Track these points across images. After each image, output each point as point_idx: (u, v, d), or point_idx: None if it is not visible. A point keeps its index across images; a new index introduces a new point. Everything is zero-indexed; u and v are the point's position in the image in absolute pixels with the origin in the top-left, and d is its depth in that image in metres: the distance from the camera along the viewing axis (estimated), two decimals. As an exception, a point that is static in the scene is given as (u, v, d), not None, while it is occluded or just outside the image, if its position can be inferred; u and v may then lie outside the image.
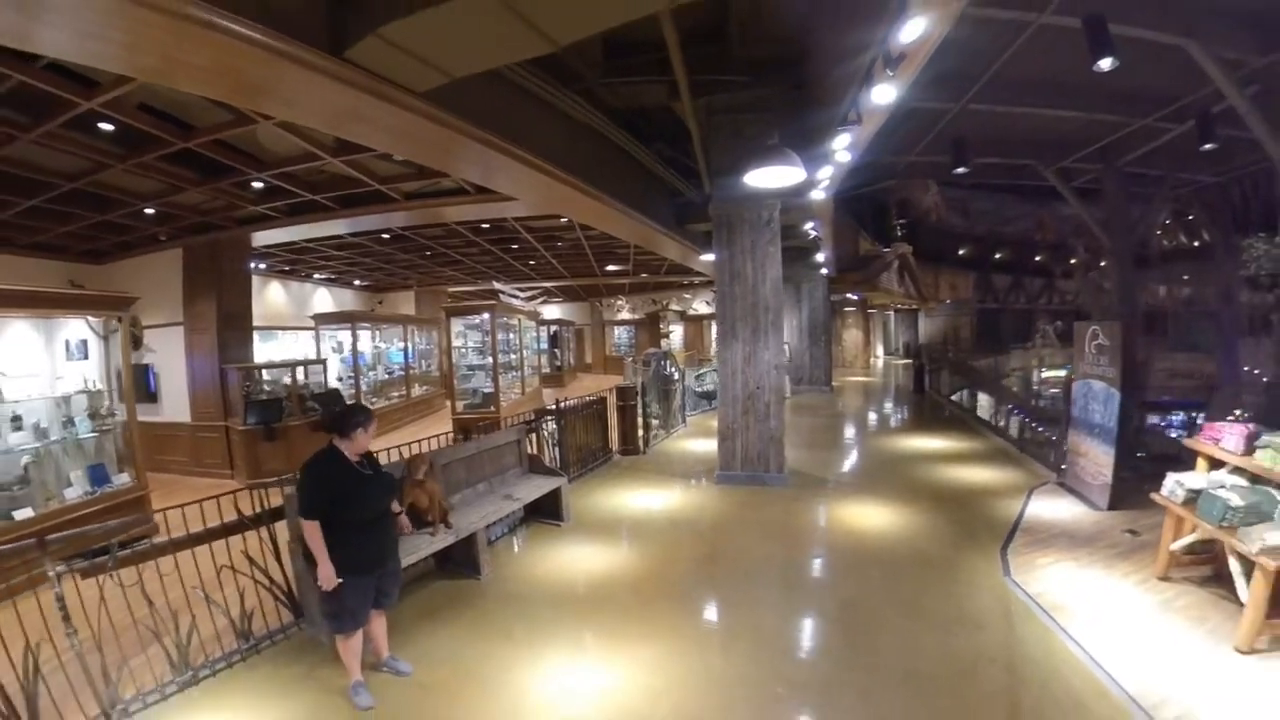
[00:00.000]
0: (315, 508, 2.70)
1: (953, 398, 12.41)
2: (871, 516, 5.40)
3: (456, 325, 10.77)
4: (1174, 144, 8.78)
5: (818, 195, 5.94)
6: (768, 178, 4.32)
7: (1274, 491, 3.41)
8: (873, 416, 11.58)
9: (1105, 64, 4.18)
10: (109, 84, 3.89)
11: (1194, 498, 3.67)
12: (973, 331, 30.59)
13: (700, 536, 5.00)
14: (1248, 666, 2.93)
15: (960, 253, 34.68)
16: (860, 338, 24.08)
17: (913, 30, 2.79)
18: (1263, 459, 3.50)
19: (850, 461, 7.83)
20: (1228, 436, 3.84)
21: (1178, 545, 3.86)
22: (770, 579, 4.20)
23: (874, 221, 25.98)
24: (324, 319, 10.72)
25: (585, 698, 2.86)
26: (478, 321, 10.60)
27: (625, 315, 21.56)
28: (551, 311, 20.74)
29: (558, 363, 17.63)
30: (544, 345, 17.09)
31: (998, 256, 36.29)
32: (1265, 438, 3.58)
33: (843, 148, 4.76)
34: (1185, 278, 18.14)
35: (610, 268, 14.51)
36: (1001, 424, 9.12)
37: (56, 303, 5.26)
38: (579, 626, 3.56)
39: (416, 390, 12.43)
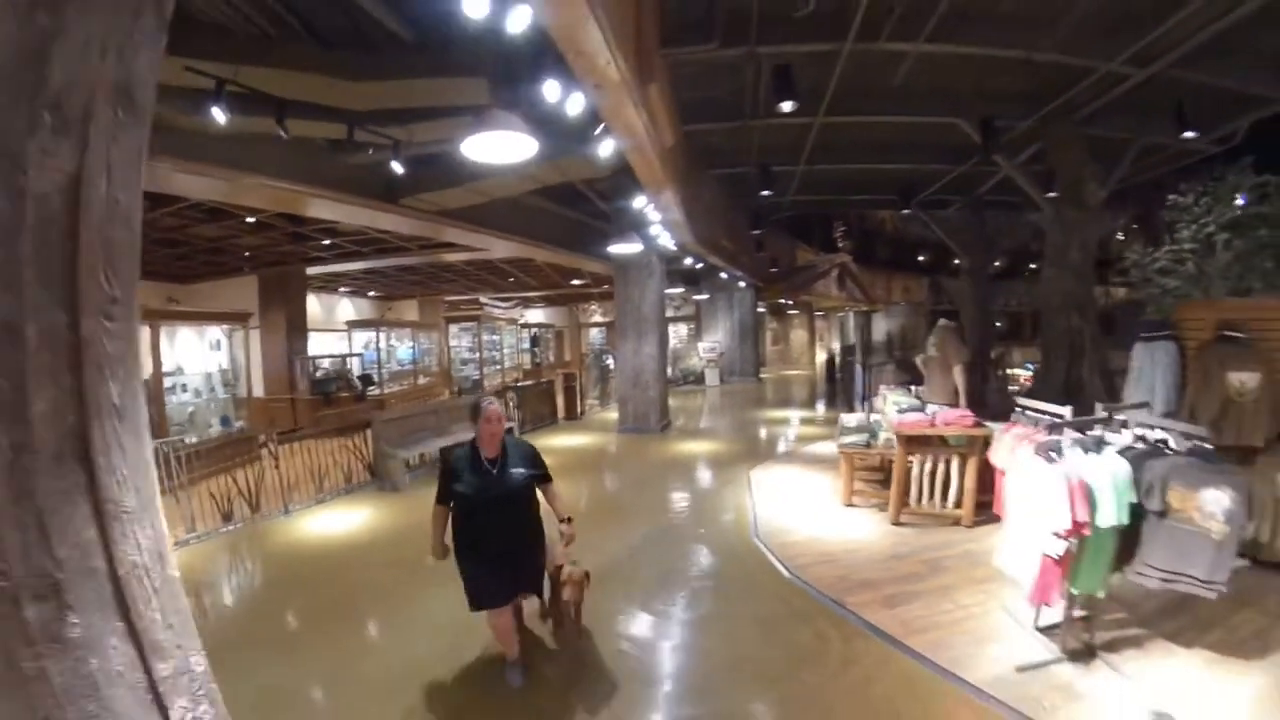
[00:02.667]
0: (438, 494, 2.95)
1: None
2: (706, 448, 8.81)
3: (454, 329, 14.25)
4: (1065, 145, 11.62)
5: (669, 247, 9.33)
6: (619, 248, 7.75)
7: (882, 420, 5.83)
8: (774, 398, 15.00)
9: (786, 106, 6.17)
10: (264, 205, 7.34)
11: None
12: (926, 330, 33.69)
13: (590, 457, 8.45)
14: (839, 512, 5.46)
15: (920, 259, 38.07)
16: (805, 337, 27.47)
17: (639, 202, 6.18)
18: (881, 404, 6.58)
19: (725, 422, 11.27)
20: (882, 392, 7.01)
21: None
22: (615, 473, 7.63)
23: (821, 233, 29.46)
24: (355, 324, 14.20)
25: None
26: (470, 326, 14.09)
27: (598, 318, 25.00)
28: (535, 316, 24.16)
29: (537, 359, 21.08)
30: (526, 345, 20.58)
31: (956, 262, 39.62)
32: (883, 391, 6.74)
33: (660, 232, 8.15)
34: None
35: (575, 282, 17.95)
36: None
37: (208, 318, 8.72)
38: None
39: (421, 380, 15.87)
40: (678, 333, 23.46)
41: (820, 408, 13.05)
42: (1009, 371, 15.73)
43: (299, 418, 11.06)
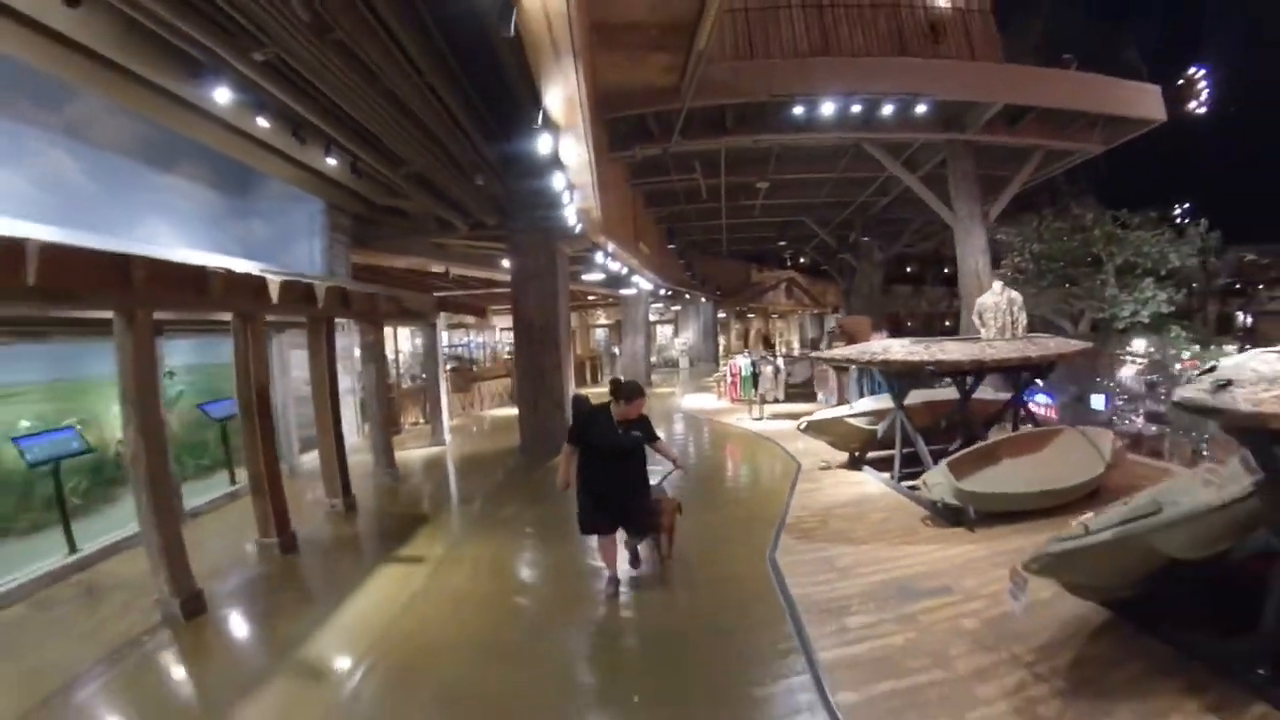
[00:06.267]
0: (569, 438, 3.92)
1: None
2: (669, 390, 16.65)
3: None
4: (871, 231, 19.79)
5: (647, 286, 17.07)
6: (625, 291, 15.46)
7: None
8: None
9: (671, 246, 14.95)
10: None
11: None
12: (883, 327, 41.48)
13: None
14: (717, 402, 13.59)
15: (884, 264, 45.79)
16: (763, 334, 35.20)
17: (635, 276, 13.85)
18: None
19: (683, 383, 19.03)
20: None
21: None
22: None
23: (776, 256, 37.26)
24: (453, 326, 21.85)
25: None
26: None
27: (602, 321, 32.70)
28: (555, 319, 31.76)
29: (560, 352, 28.85)
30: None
31: (909, 270, 47.58)
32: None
33: (645, 283, 15.86)
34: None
35: (590, 297, 25.66)
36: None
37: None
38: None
39: (490, 364, 23.59)
40: (663, 333, 31.25)
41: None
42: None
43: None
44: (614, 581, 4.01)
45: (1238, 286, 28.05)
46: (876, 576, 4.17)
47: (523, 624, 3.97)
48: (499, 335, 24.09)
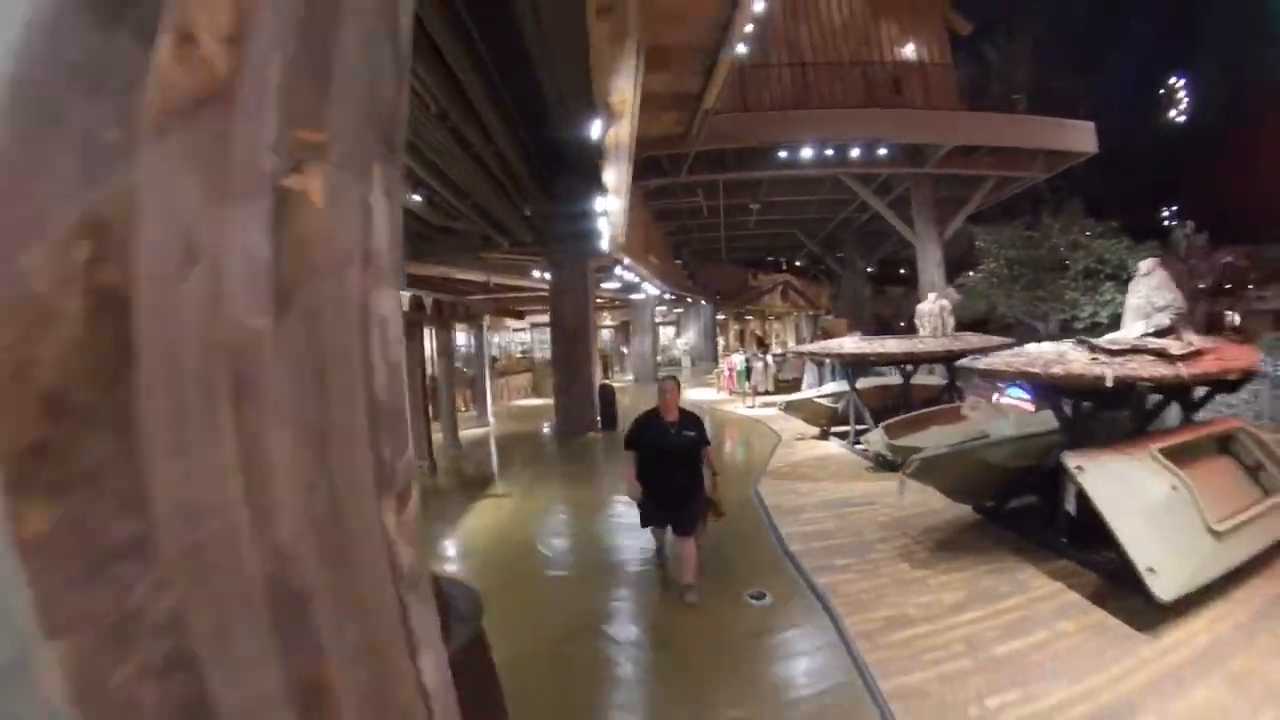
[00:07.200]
0: (626, 442, 4.19)
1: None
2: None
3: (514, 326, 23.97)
4: (850, 242, 21.87)
5: (654, 292, 19.07)
6: (634, 296, 17.46)
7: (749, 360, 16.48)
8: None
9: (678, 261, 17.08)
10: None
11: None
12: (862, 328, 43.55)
13: (621, 388, 18.18)
14: (716, 394, 15.66)
15: (869, 270, 47.88)
16: (760, 334, 37.20)
17: (645, 284, 15.81)
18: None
19: (687, 379, 20.94)
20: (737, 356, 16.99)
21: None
22: (632, 393, 17.39)
23: (774, 261, 39.25)
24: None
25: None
26: (530, 327, 23.79)
27: (608, 323, 34.67)
28: (563, 321, 33.77)
29: (569, 351, 30.88)
30: (562, 341, 30.41)
31: (902, 272, 49.68)
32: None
33: (651, 288, 17.86)
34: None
35: (598, 300, 27.68)
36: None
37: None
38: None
39: (506, 361, 25.54)
40: (667, 334, 33.24)
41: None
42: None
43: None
44: (659, 553, 4.57)
45: (1228, 287, 29.36)
46: (825, 497, 6.17)
47: (583, 524, 5.98)
48: (512, 335, 26.23)
